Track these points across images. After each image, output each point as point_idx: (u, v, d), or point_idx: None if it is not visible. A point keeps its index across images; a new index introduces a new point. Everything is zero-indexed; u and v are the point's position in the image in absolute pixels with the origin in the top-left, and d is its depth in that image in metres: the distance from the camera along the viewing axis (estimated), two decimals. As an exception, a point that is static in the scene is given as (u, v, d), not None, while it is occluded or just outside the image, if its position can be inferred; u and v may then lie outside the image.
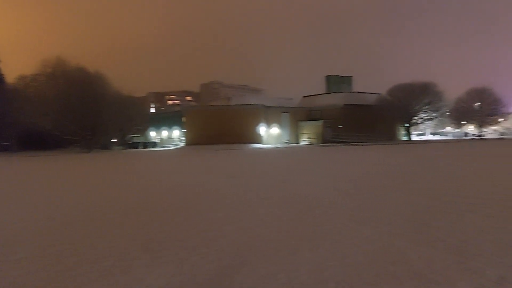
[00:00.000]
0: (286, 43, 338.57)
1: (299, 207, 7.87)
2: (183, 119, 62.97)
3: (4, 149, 49.89)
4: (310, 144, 61.07)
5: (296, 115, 65.22)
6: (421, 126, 76.38)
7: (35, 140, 49.62)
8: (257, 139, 58.27)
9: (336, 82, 76.45)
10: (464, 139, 69.48)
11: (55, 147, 51.17)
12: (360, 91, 72.38)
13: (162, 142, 71.81)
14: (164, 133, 73.78)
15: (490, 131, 79.89)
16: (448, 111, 70.05)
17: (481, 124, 71.71)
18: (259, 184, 12.32)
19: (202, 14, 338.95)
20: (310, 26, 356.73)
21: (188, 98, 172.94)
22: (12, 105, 48.14)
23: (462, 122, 75.28)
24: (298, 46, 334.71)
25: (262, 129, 59.42)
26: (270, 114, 61.23)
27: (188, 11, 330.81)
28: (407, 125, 67.15)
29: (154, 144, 68.56)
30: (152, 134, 74.15)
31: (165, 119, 74.66)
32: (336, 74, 79.46)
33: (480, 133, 72.59)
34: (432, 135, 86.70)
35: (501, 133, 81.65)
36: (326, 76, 78.59)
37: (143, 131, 70.22)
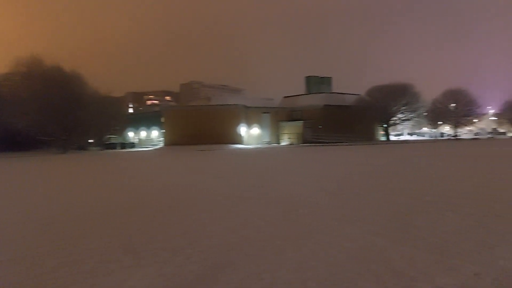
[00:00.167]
0: (267, 43, 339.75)
1: (282, 207, 7.90)
2: (162, 119, 62.38)
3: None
4: (291, 144, 61.43)
5: (277, 115, 65.50)
6: (399, 127, 77.96)
7: (8, 141, 48.19)
8: (238, 139, 58.25)
9: (316, 83, 76.93)
10: (440, 139, 71.18)
11: (30, 148, 49.81)
12: (339, 92, 73.24)
13: (141, 142, 70.93)
14: (143, 134, 72.89)
15: (465, 132, 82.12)
16: (425, 112, 71.63)
17: (456, 125, 73.60)
18: (242, 184, 12.31)
19: (182, 14, 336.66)
20: (290, 27, 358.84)
21: (168, 98, 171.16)
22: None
23: (438, 123, 77.10)
24: (278, 46, 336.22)
25: (242, 130, 59.42)
26: (250, 114, 61.32)
27: (168, 10, 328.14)
28: (386, 125, 68.32)
29: (132, 145, 67.65)
30: (130, 134, 73.15)
31: (144, 119, 73.77)
32: (316, 75, 79.95)
33: (455, 134, 74.48)
34: (409, 136, 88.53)
35: (476, 134, 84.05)
36: (306, 77, 78.97)
37: (121, 131, 69.16)
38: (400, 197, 8.72)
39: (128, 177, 16.61)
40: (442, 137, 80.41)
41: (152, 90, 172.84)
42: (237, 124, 58.93)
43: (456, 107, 70.88)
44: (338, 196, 9.24)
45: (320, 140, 58.58)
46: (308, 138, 60.92)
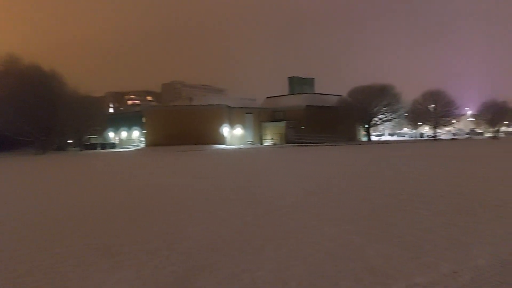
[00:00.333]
0: (249, 43, 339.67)
1: (263, 207, 7.92)
2: (144, 120, 61.65)
3: None
4: (274, 144, 61.54)
5: (260, 115, 65.53)
6: (380, 127, 79.02)
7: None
8: (220, 139, 58.03)
9: (299, 84, 77.26)
10: (420, 140, 72.45)
11: (7, 149, 48.57)
12: (322, 92, 73.76)
13: (121, 143, 69.94)
14: (124, 134, 71.95)
15: (444, 132, 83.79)
16: (405, 113, 72.74)
17: (435, 125, 74.99)
18: (222, 185, 12.28)
19: (164, 13, 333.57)
20: (273, 28, 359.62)
21: (149, 98, 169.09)
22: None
23: (418, 123, 78.44)
24: (261, 47, 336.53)
25: (225, 130, 59.26)
26: (233, 114, 61.17)
27: (149, 9, 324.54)
28: (367, 126, 69.11)
29: (112, 145, 66.65)
30: (111, 135, 72.11)
31: (125, 119, 72.73)
32: (298, 76, 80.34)
33: (434, 134, 75.92)
34: (390, 136, 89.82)
35: (454, 134, 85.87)
36: (289, 77, 79.24)
37: (101, 131, 68.10)
38: (377, 196, 8.84)
39: (106, 179, 16.37)
40: (421, 137, 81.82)
41: (133, 90, 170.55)
42: (220, 124, 58.73)
43: (435, 108, 72.20)
44: (317, 195, 9.31)
45: (303, 141, 58.85)
46: (291, 138, 61.15)
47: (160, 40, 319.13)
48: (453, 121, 79.34)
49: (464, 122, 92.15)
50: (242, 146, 57.19)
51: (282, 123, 63.82)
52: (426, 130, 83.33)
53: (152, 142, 56.97)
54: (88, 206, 8.77)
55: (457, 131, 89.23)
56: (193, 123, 56.55)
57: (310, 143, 57.15)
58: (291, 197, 9.10)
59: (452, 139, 73.83)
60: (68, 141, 59.38)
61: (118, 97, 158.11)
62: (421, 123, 78.26)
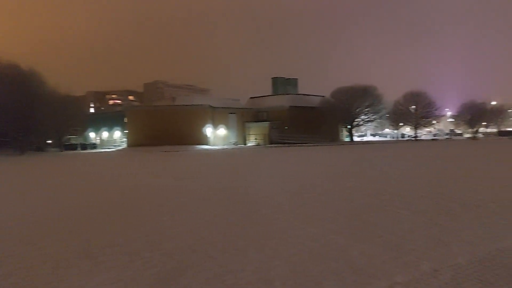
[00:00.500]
0: (233, 44, 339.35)
1: (245, 208, 7.90)
2: (125, 120, 60.88)
3: None
4: (257, 145, 61.58)
5: (243, 116, 65.47)
6: (362, 128, 79.91)
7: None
8: (204, 140, 57.77)
9: (282, 84, 77.58)
10: (401, 140, 73.59)
11: (-16, 149, 47.31)
12: (305, 93, 74.21)
13: (102, 143, 68.95)
14: (105, 134, 70.91)
15: (425, 133, 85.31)
16: (387, 113, 73.75)
17: (416, 126, 76.26)
18: (205, 186, 12.21)
19: (147, 12, 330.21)
20: (256, 28, 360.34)
21: (131, 97, 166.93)
22: None
23: (400, 124, 79.65)
24: (245, 47, 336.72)
25: (208, 130, 59.00)
26: (216, 115, 60.94)
27: (133, 7, 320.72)
28: (349, 126, 69.81)
29: (93, 146, 65.64)
30: (92, 135, 71.01)
31: (106, 119, 71.71)
32: (282, 76, 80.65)
33: (415, 135, 77.18)
34: (372, 136, 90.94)
35: (435, 135, 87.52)
36: (273, 78, 79.49)
37: (82, 132, 66.94)
38: (359, 196, 8.92)
39: (86, 180, 16.09)
40: (403, 138, 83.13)
41: (115, 90, 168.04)
42: (203, 124, 58.45)
43: (416, 109, 73.47)
44: (300, 196, 9.34)
45: (286, 141, 59.07)
46: (275, 138, 61.29)
47: (142, 39, 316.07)
48: (434, 122, 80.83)
49: (444, 123, 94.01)
50: (225, 147, 57.05)
51: (266, 124, 63.93)
52: (407, 130, 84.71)
53: (134, 143, 56.32)
54: (67, 209, 8.60)
55: (437, 132, 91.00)
56: (176, 123, 56.13)
57: (294, 143, 57.41)
58: (275, 198, 9.11)
59: (433, 139, 75.25)
60: (48, 141, 58.14)
61: (99, 97, 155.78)
62: (402, 124, 79.49)
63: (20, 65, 52.19)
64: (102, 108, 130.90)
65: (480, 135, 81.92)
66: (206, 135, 58.57)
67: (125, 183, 13.78)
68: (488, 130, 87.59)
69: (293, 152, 35.47)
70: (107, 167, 24.49)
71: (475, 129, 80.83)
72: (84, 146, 62.91)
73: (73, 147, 60.73)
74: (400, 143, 60.47)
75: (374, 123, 76.01)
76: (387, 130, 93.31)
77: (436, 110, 76.41)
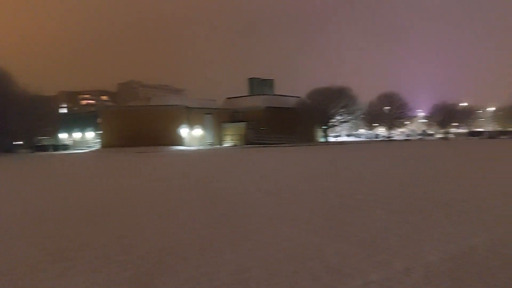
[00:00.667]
0: (209, 44, 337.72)
1: (222, 209, 7.86)
2: (99, 120, 59.64)
3: None
4: (234, 145, 61.46)
5: (219, 116, 65.21)
6: (338, 128, 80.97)
7: None
8: (179, 141, 57.22)
9: (259, 85, 77.59)
10: (375, 141, 74.99)
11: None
12: (281, 94, 74.56)
13: (75, 144, 67.34)
14: (77, 135, 69.28)
15: (398, 133, 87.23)
16: (361, 114, 75.01)
17: (390, 127, 77.91)
18: (181, 187, 12.09)
19: (121, 11, 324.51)
20: (232, 29, 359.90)
21: (104, 98, 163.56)
22: None
23: (374, 125, 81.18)
24: (221, 48, 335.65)
25: (184, 131, 58.48)
26: (192, 115, 60.45)
27: (106, 6, 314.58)
28: (325, 127, 70.58)
29: (65, 147, 64.05)
30: (64, 136, 69.25)
31: (79, 120, 70.13)
32: (258, 77, 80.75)
33: (389, 135, 78.83)
34: (347, 137, 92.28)
35: (407, 135, 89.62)
36: (249, 78, 79.42)
37: (53, 133, 65.20)
38: (334, 196, 9.03)
39: (58, 182, 15.66)
40: (377, 138, 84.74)
41: (88, 90, 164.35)
42: (178, 125, 57.89)
43: (390, 110, 75.06)
44: (276, 196, 9.36)
45: (263, 141, 59.20)
46: (251, 139, 61.31)
47: (116, 39, 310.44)
48: (407, 122, 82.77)
49: (417, 124, 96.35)
50: (201, 147, 56.69)
51: (242, 124, 63.89)
52: (381, 131, 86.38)
53: (108, 144, 55.25)
54: (37, 211, 8.33)
55: (410, 132, 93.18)
56: (150, 124, 55.39)
57: (270, 144, 57.63)
58: (250, 198, 9.10)
59: (406, 139, 77.03)
60: (18, 142, 56.32)
61: (72, 97, 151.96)
62: (376, 124, 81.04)
63: (-12, 64, 50.45)
64: (75, 109, 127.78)
65: (451, 136, 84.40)
66: (182, 136, 58.05)
67: (97, 185, 13.48)
68: (459, 130, 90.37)
69: (269, 153, 35.58)
70: (78, 168, 23.90)
71: (446, 130, 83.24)
72: (56, 147, 61.34)
73: (44, 148, 59.09)
74: (374, 143, 61.60)
75: (349, 124, 77.16)
76: (361, 131, 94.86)
77: (409, 111, 78.34)
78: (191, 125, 60.30)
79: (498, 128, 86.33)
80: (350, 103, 69.17)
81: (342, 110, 68.78)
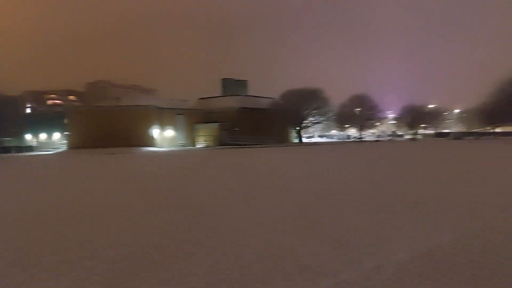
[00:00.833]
0: (181, 44, 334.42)
1: (194, 211, 7.75)
2: (66, 121, 57.94)
3: None
4: (207, 146, 61.04)
5: (192, 117, 64.64)
6: (310, 129, 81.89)
7: None
8: (150, 142, 56.36)
9: (232, 85, 77.39)
10: (346, 141, 76.29)
11: None
12: (255, 95, 74.68)
13: (41, 146, 65.14)
14: (43, 136, 67.07)
15: (369, 134, 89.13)
16: (334, 115, 76.14)
17: (361, 128, 79.50)
18: (152, 189, 11.88)
19: (88, 7, 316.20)
20: (205, 29, 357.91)
21: (72, 97, 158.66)
22: None
23: (345, 126, 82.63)
24: (193, 48, 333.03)
25: (155, 132, 57.63)
26: (164, 116, 59.68)
27: (73, 3, 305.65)
28: (298, 128, 71.21)
29: (30, 148, 61.88)
30: (28, 137, 66.91)
31: (45, 120, 67.85)
32: (231, 78, 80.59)
33: (360, 136, 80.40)
34: (319, 138, 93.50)
35: (378, 136, 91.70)
36: (222, 79, 79.13)
37: (18, 134, 62.88)
38: (306, 197, 9.08)
39: (20, 184, 15.07)
40: (348, 139, 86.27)
41: (54, 89, 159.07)
42: (150, 126, 57.03)
43: (361, 111, 76.60)
44: (249, 197, 9.34)
45: (236, 142, 59.10)
46: (224, 140, 61.08)
47: (84, 37, 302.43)
48: (377, 123, 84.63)
49: (387, 125, 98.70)
50: (173, 149, 56.00)
51: (215, 125, 63.56)
52: (352, 132, 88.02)
53: (76, 145, 53.79)
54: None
55: (380, 133, 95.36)
56: (120, 125, 54.31)
57: (244, 145, 57.59)
58: (223, 200, 9.04)
59: (376, 140, 78.77)
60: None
61: (37, 97, 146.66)
62: (348, 126, 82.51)
63: None
64: (41, 109, 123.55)
65: (419, 137, 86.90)
66: (153, 137, 57.19)
67: (64, 187, 13.05)
68: (427, 131, 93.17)
69: (242, 154, 35.54)
70: (42, 170, 23.10)
71: (415, 131, 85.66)
72: (20, 149, 59.16)
73: (7, 150, 56.88)
74: (346, 144, 62.61)
75: (321, 125, 78.15)
76: (333, 132, 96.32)
77: (379, 112, 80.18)
78: (163, 125, 59.52)
79: (464, 129, 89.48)
80: (322, 104, 70.08)
81: (315, 111, 69.58)
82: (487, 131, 79.61)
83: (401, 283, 3.75)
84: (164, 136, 59.64)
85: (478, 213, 6.80)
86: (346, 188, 10.41)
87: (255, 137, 60.28)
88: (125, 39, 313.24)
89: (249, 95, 74.63)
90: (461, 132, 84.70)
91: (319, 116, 71.41)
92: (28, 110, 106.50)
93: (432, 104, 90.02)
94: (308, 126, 74.24)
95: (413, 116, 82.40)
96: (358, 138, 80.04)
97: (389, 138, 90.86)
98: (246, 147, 53.55)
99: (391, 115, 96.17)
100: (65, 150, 54.74)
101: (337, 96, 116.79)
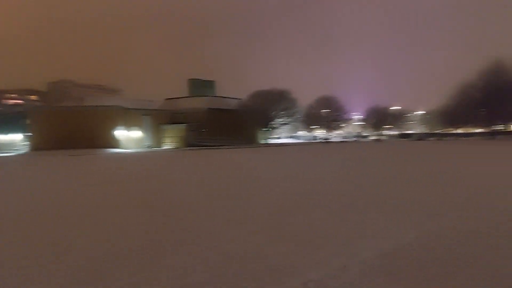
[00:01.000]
0: (147, 44, 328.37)
1: (162, 213, 7.64)
2: (28, 121, 55.70)
3: None
4: (174, 148, 60.26)
5: (158, 118, 63.63)
6: (278, 130, 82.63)
7: None
8: (115, 143, 55.06)
9: (200, 86, 76.80)
10: (313, 142, 77.42)
11: None
12: (223, 95, 74.49)
13: (0, 147, 62.27)
14: (3, 137, 64.09)
15: (335, 135, 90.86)
16: (301, 117, 77.13)
17: (328, 129, 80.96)
18: (118, 191, 11.61)
19: (51, 5, 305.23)
20: (172, 30, 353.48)
21: (33, 97, 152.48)
22: None
23: (312, 127, 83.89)
24: (159, 48, 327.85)
25: (120, 133, 56.34)
26: (129, 116, 58.44)
27: (35, 1, 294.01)
28: (266, 129, 71.63)
29: None
30: (-15, 138, 63.72)
31: (4, 121, 64.87)
32: (199, 78, 79.98)
33: (327, 137, 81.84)
34: (287, 139, 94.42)
35: (344, 137, 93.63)
36: (189, 79, 78.42)
37: (-26, 135, 59.85)
38: (277, 198, 9.13)
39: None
40: (315, 140, 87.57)
41: (14, 88, 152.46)
42: (114, 126, 55.70)
43: (328, 112, 78.02)
44: (218, 199, 9.31)
45: (204, 144, 58.69)
46: (192, 141, 60.52)
47: (45, 35, 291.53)
48: (343, 125, 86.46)
49: (353, 126, 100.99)
50: (139, 150, 54.94)
51: (183, 126, 62.86)
52: (319, 133, 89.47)
53: (38, 146, 51.82)
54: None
55: (346, 134, 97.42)
56: (84, 125, 52.81)
57: (211, 146, 57.28)
58: (193, 202, 8.96)
59: (342, 141, 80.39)
60: None
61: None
62: (315, 127, 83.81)
63: None
64: (0, 109, 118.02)
65: (384, 138, 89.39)
66: (117, 138, 55.89)
67: (25, 190, 12.52)
68: (391, 132, 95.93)
69: (210, 155, 35.35)
70: (1, 172, 22.09)
71: (379, 132, 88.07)
72: (-24, 151, 56.27)
73: (-40, 152, 54.00)
74: (312, 145, 63.51)
75: (289, 126, 79.01)
76: (300, 133, 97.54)
77: (345, 114, 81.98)
78: (128, 126, 58.27)
79: (426, 130, 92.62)
80: (290, 105, 70.89)
81: (283, 112, 70.26)
82: (449, 132, 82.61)
83: (367, 281, 3.85)
84: (129, 137, 58.39)
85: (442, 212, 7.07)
86: (314, 189, 10.53)
87: (223, 138, 60.09)
88: (89, 37, 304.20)
89: (217, 96, 74.38)
90: (424, 133, 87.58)
91: (287, 117, 72.15)
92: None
93: (396, 106, 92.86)
94: (276, 127, 74.87)
95: (378, 118, 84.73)
96: (325, 139, 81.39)
97: (355, 139, 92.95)
98: (214, 148, 53.28)
99: (356, 116, 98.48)
100: (26, 152, 52.59)
101: (304, 98, 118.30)
